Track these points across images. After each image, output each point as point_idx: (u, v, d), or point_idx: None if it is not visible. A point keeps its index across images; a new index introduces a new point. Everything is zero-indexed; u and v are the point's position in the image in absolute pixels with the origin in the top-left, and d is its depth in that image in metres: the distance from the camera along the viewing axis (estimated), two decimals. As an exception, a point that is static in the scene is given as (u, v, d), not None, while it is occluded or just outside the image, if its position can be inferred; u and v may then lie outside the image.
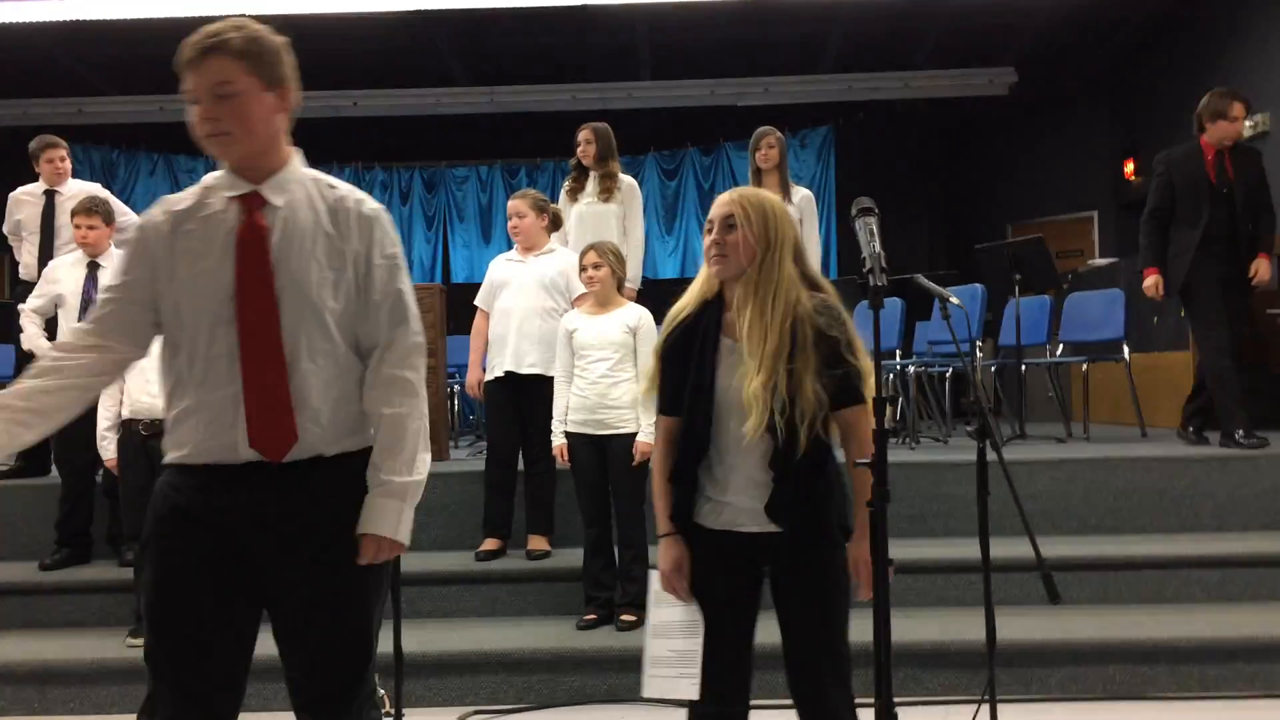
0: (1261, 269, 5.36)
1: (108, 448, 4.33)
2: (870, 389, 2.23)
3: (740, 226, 2.30)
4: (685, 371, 2.33)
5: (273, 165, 2.02)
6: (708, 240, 2.37)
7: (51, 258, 5.44)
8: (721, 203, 2.37)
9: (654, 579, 2.40)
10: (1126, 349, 6.35)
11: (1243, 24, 8.34)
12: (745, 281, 2.29)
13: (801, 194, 5.78)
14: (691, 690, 2.27)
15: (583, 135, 5.57)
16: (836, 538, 2.31)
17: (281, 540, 1.98)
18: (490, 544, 4.68)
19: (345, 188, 2.11)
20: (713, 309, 2.37)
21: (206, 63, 1.92)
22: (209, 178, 2.05)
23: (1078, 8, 9.00)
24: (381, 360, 2.06)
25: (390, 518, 2.03)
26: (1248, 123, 7.93)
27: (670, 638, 2.34)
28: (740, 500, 2.30)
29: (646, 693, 2.34)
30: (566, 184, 5.75)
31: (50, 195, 5.64)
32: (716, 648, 2.31)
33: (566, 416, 4.28)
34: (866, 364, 2.25)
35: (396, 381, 2.06)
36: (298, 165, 2.08)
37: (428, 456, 2.11)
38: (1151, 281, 5.52)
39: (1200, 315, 5.45)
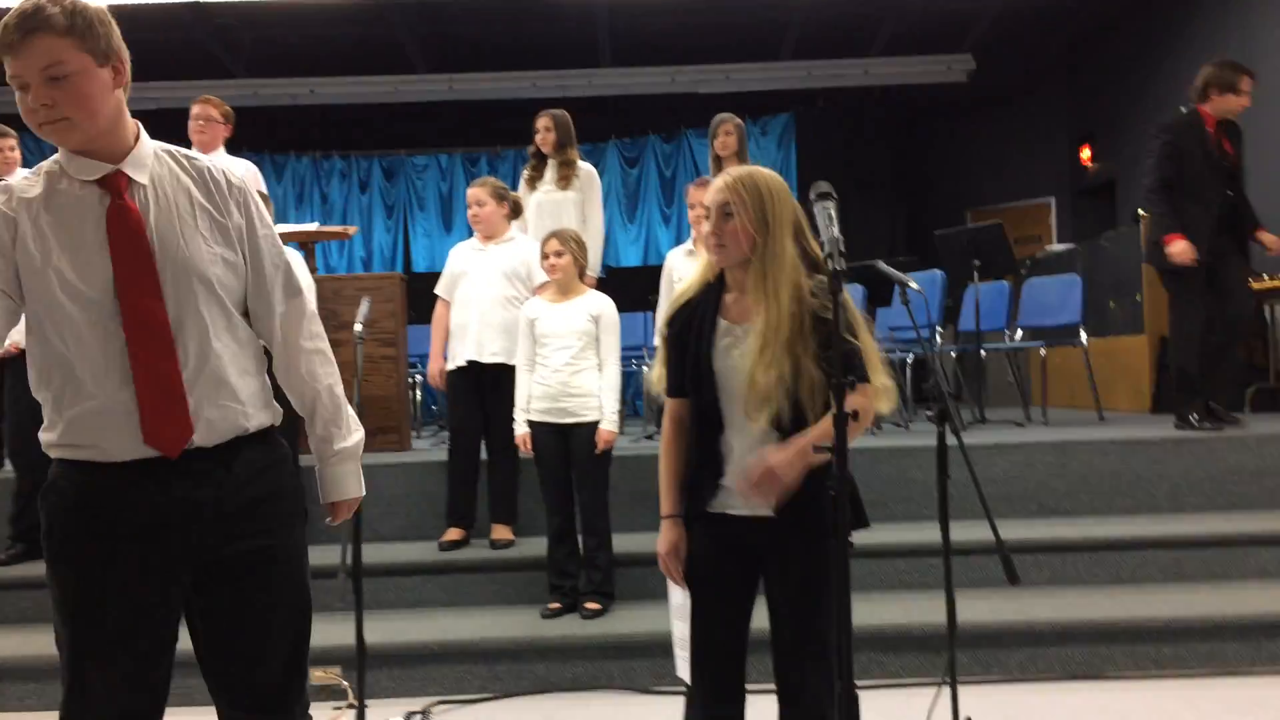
0: (1271, 240, 5.35)
1: None
2: (875, 368, 2.22)
3: (737, 214, 2.28)
4: (686, 354, 2.34)
5: (124, 143, 1.88)
6: (704, 229, 2.36)
7: None
8: (716, 188, 2.34)
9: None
10: (1084, 334, 6.43)
11: (1195, 14, 8.44)
12: (749, 268, 2.27)
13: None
14: (683, 671, 2.27)
15: (541, 123, 5.55)
16: (830, 526, 2.28)
17: (219, 524, 1.90)
18: (453, 534, 4.66)
19: (204, 158, 1.99)
20: (713, 291, 2.37)
21: (31, 44, 1.74)
22: (48, 163, 1.88)
23: (1034, -5, 9.07)
24: (289, 335, 2.04)
25: (354, 480, 2.12)
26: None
27: (684, 619, 2.36)
28: (734, 482, 2.29)
29: (679, 673, 2.35)
30: (525, 172, 5.73)
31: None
32: (712, 635, 2.32)
33: (529, 405, 4.27)
34: (869, 343, 2.24)
35: (316, 354, 2.08)
36: (147, 140, 1.93)
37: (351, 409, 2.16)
38: (1181, 246, 5.22)
39: (1187, 290, 5.36)
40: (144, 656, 1.89)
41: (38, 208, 1.82)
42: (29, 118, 1.79)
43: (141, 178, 1.88)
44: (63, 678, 1.90)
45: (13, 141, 5.60)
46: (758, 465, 2.15)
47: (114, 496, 1.85)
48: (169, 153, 1.95)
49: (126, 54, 1.90)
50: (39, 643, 4.10)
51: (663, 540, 2.38)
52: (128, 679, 1.87)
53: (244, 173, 5.45)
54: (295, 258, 4.97)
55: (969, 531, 3.58)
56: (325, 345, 2.11)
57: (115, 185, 1.85)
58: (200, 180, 1.94)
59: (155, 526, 1.86)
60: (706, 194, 2.40)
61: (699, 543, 2.35)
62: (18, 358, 4.82)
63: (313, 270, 5.59)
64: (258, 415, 1.97)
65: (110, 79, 1.84)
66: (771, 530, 2.26)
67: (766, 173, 2.37)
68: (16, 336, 1.97)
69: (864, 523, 2.30)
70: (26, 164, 5.78)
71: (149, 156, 1.91)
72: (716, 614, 2.32)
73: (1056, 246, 9.43)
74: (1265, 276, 6.55)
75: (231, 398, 1.91)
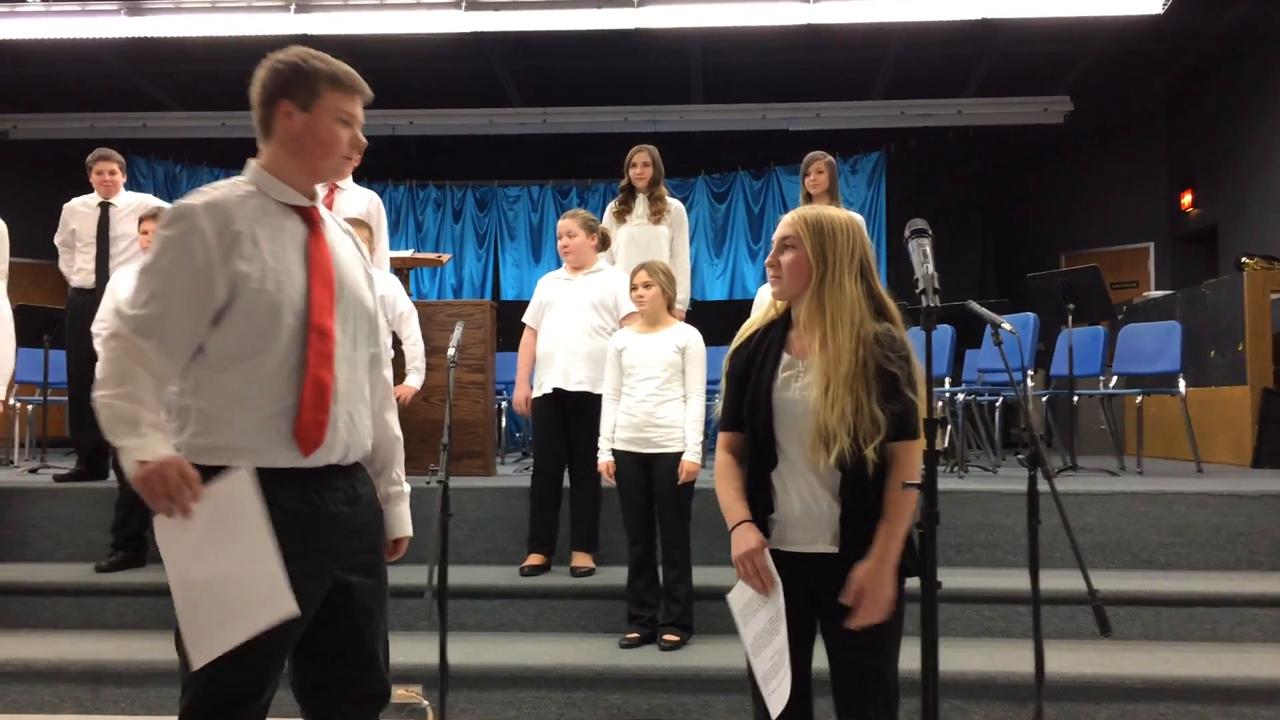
0: None
1: None
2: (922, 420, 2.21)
3: (795, 247, 2.31)
4: (745, 386, 2.35)
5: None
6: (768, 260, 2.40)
7: (107, 267, 5.61)
8: (783, 223, 2.38)
9: (732, 601, 2.35)
10: (1183, 383, 6.25)
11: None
12: (807, 302, 2.29)
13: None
14: (785, 686, 2.21)
15: (639, 158, 5.61)
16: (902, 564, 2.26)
17: (348, 537, 2.10)
18: (535, 559, 4.70)
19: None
20: (778, 327, 2.39)
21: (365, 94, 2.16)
22: (242, 185, 2.09)
23: (1134, 37, 8.91)
24: (381, 371, 2.29)
25: (409, 520, 2.36)
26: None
27: (766, 646, 2.27)
28: (790, 516, 2.29)
29: (776, 712, 2.23)
30: (613, 205, 5.79)
31: (105, 207, 5.83)
32: None
33: (614, 434, 4.30)
34: (922, 395, 2.21)
35: (389, 391, 2.35)
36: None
37: None
38: None
39: None
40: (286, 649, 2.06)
41: (253, 225, 2.03)
42: (344, 148, 2.12)
43: (328, 218, 2.21)
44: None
45: (114, 165, 5.89)
46: (855, 592, 2.18)
47: (275, 505, 1.95)
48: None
49: None
50: (134, 648, 4.25)
51: (737, 545, 2.29)
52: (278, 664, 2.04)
53: (368, 204, 5.66)
54: (395, 283, 5.14)
55: (1058, 580, 3.50)
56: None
57: (313, 218, 2.13)
58: (349, 235, 2.28)
59: (309, 533, 2.02)
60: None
61: None
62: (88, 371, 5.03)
63: (409, 295, 5.72)
64: (368, 443, 2.19)
65: None
66: (831, 568, 2.23)
67: (835, 211, 2.37)
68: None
69: (916, 570, 2.25)
70: (140, 188, 6.09)
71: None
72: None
73: (1154, 293, 9.21)
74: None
75: (361, 421, 2.14)
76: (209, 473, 1.91)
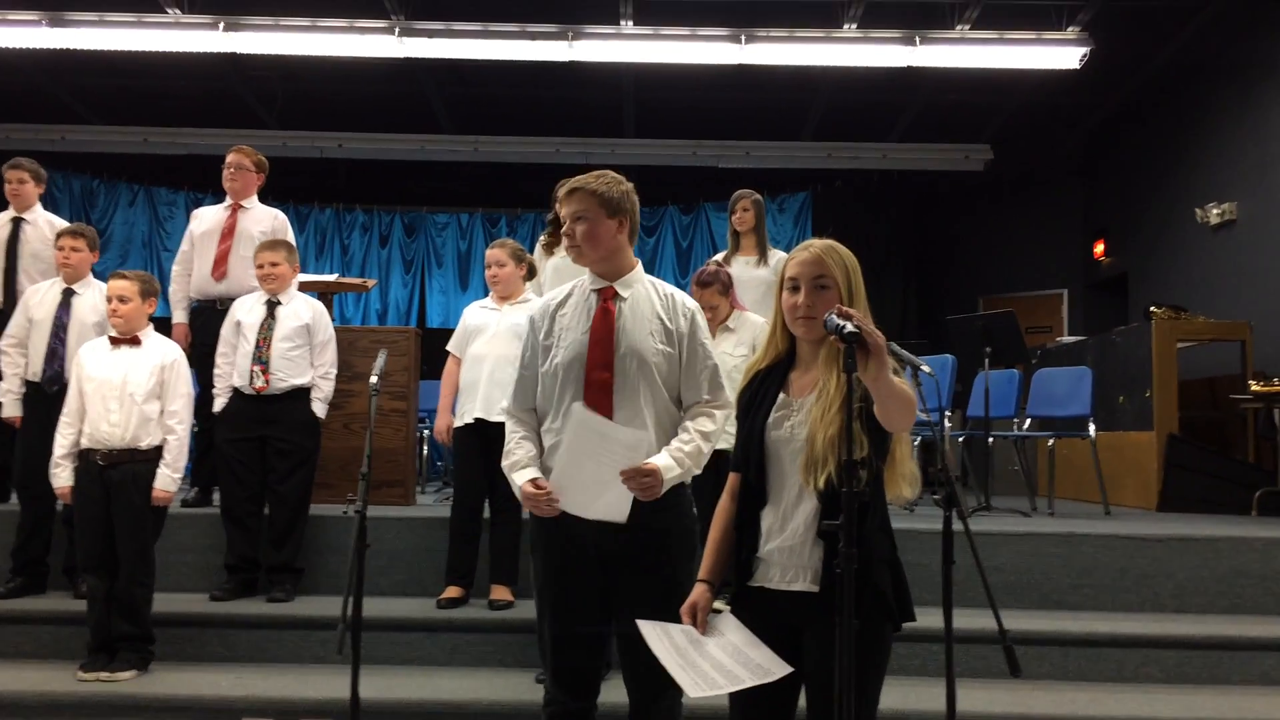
0: None
1: (60, 475, 4.25)
2: (905, 456, 2.30)
3: (830, 287, 2.27)
4: (743, 426, 2.36)
5: (621, 270, 2.84)
6: (795, 300, 2.31)
7: (15, 285, 5.37)
8: (809, 261, 2.31)
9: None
10: (1093, 426, 6.43)
11: (1211, 115, 8.58)
12: (826, 343, 2.25)
13: (778, 257, 5.85)
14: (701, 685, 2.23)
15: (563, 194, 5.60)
16: (875, 607, 2.23)
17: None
18: (453, 591, 4.64)
19: (674, 289, 2.89)
20: (781, 367, 2.38)
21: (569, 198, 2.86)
22: (583, 278, 2.89)
23: (1052, 91, 9.23)
24: (701, 413, 2.78)
25: None
26: (1214, 210, 8.18)
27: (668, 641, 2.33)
28: (774, 555, 2.29)
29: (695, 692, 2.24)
30: (543, 237, 5.78)
31: (17, 222, 5.51)
32: (758, 716, 2.30)
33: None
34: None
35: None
36: (641, 273, 2.89)
37: None
38: None
39: None
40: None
41: (558, 307, 2.87)
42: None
43: (625, 293, 2.81)
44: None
45: (23, 174, 5.53)
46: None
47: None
48: (653, 284, 2.88)
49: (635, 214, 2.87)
50: (30, 678, 4.09)
51: (688, 599, 2.38)
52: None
53: (274, 223, 5.53)
54: (319, 309, 5.05)
55: (971, 620, 3.55)
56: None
57: (605, 294, 2.81)
58: (663, 301, 2.83)
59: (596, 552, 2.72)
60: (789, 264, 2.36)
61: (741, 619, 2.33)
62: (31, 396, 4.87)
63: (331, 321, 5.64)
64: (670, 463, 2.65)
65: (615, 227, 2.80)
66: (813, 607, 2.22)
67: (839, 244, 2.37)
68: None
69: (909, 615, 2.29)
70: (55, 201, 5.84)
71: (637, 281, 2.86)
72: (760, 694, 2.24)
73: (1067, 338, 9.47)
74: (1276, 381, 6.56)
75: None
76: None
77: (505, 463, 2.85)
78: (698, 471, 2.72)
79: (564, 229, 2.85)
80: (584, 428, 2.66)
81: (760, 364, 2.42)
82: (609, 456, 2.61)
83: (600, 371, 2.71)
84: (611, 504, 2.63)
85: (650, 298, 2.82)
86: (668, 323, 2.78)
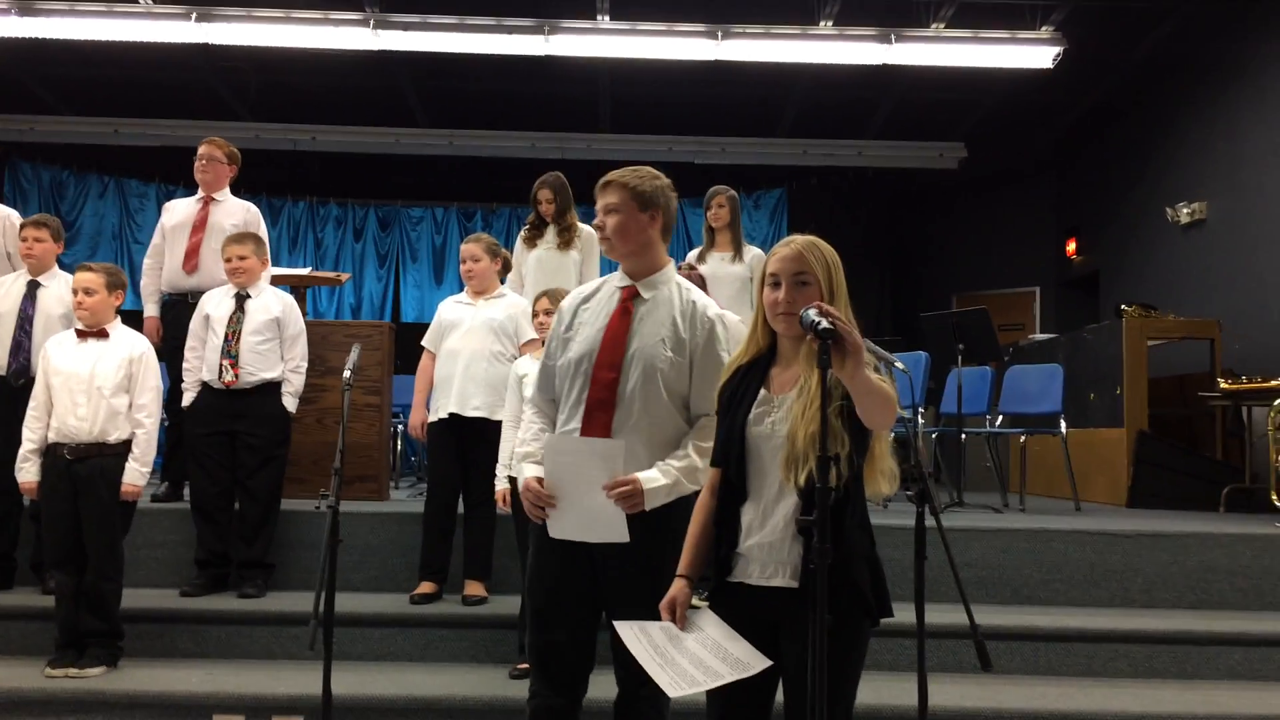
0: None
1: (27, 470, 4.20)
2: (884, 453, 2.31)
3: (810, 283, 2.27)
4: (724, 422, 2.35)
5: (649, 269, 2.81)
6: (776, 296, 2.31)
7: None
8: (790, 257, 2.30)
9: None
10: (1064, 423, 6.48)
11: (1182, 115, 8.67)
12: (809, 339, 2.19)
13: (753, 253, 5.87)
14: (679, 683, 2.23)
15: (543, 195, 5.61)
16: (853, 603, 2.22)
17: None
18: (426, 587, 4.63)
19: (701, 297, 2.84)
20: (762, 363, 2.37)
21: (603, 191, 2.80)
22: (612, 274, 2.89)
23: (1026, 90, 9.29)
24: (705, 426, 2.67)
25: None
26: (1185, 210, 8.26)
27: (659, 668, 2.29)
28: (753, 550, 2.28)
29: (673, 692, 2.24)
30: (523, 231, 5.77)
31: None
32: (735, 713, 2.30)
33: (512, 462, 4.25)
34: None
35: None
36: (671, 272, 2.85)
37: None
38: None
39: None
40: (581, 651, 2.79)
41: (584, 301, 2.88)
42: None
43: (647, 295, 2.79)
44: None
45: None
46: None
47: None
48: (680, 288, 2.83)
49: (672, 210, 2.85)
50: (17, 675, 4.03)
51: (666, 595, 2.39)
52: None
53: (247, 215, 5.48)
54: (289, 302, 5.01)
55: (942, 615, 3.58)
56: None
57: (626, 294, 2.79)
58: (684, 307, 2.78)
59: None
60: (770, 260, 2.35)
61: (721, 614, 2.33)
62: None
63: (304, 314, 5.59)
64: (654, 474, 2.62)
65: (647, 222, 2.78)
66: (792, 602, 2.21)
67: (820, 240, 2.36)
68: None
69: (887, 611, 2.28)
70: (24, 192, 5.72)
71: (663, 283, 2.81)
72: (738, 689, 2.22)
73: (1039, 335, 9.54)
74: (1244, 379, 6.64)
75: (644, 449, 2.64)
76: None
77: (519, 450, 2.86)
78: (694, 487, 2.65)
79: (595, 221, 2.82)
80: (557, 454, 2.67)
81: (741, 360, 2.41)
82: (588, 473, 2.59)
83: (606, 370, 2.70)
84: (608, 526, 2.60)
85: (672, 302, 2.77)
86: (682, 331, 2.73)
